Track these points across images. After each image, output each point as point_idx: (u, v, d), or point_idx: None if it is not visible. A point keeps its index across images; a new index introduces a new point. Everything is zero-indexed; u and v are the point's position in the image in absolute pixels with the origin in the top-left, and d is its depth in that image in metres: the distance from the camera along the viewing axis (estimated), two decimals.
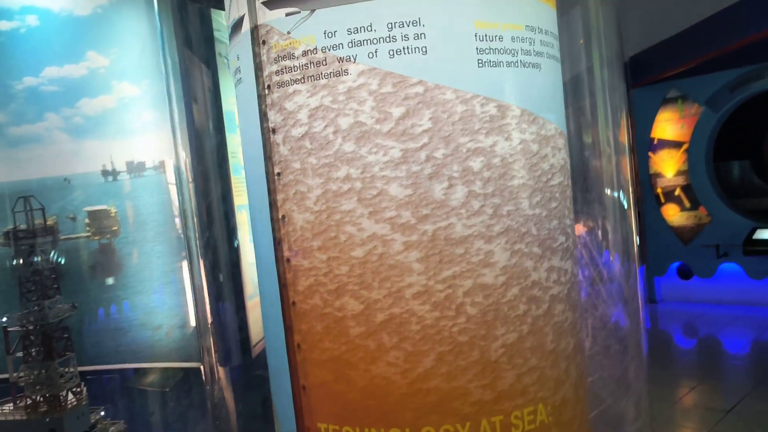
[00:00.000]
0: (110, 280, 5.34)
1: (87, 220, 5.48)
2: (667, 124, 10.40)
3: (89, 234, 5.50)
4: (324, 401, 1.87)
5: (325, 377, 1.85)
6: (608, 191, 2.39)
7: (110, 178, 5.48)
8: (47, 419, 3.50)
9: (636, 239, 2.42)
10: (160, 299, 5.46)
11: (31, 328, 3.65)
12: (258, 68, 1.85)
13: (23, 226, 4.58)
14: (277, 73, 1.80)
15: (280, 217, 1.87)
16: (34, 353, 3.65)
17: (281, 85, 1.80)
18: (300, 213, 1.84)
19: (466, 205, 1.72)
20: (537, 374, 1.79)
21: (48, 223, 5.66)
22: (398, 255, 1.73)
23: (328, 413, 1.87)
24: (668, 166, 10.41)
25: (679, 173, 10.38)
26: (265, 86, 1.84)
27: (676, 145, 10.35)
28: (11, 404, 3.72)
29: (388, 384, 1.78)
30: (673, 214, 10.49)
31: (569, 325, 1.89)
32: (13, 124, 5.59)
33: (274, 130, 1.82)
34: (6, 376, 3.80)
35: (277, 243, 1.88)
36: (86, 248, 5.57)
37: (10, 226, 3.76)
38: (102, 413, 3.91)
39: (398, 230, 1.73)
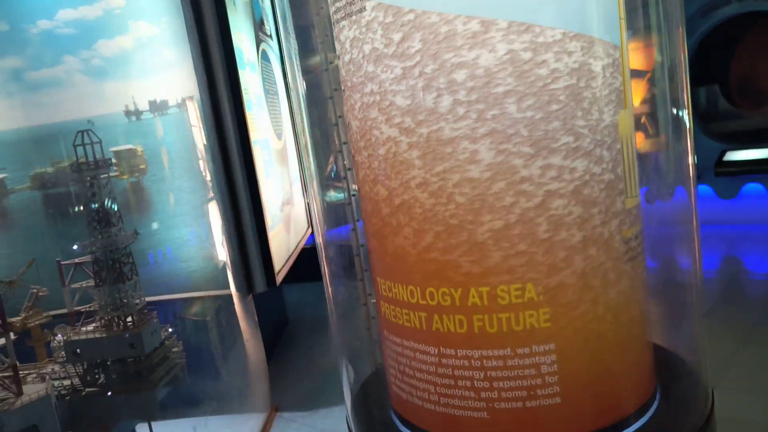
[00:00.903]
0: (155, 225, 5.57)
1: (114, 160, 5.65)
2: (633, 53, 10.80)
3: (117, 173, 5.68)
4: (376, 262, 2.39)
5: (374, 244, 2.37)
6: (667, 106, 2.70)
7: (134, 118, 5.63)
8: (126, 335, 3.82)
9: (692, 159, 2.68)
10: (191, 233, 5.73)
11: (100, 255, 3.92)
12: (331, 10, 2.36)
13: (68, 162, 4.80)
14: (334, 13, 2.25)
15: (346, 123, 2.38)
16: (105, 277, 3.93)
17: (336, 22, 2.26)
18: (353, 120, 2.32)
19: (452, 112, 2.05)
20: (526, 258, 2.07)
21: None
22: (404, 153, 2.14)
23: (379, 270, 2.38)
24: (634, 95, 10.86)
25: (644, 101, 10.85)
26: (332, 23, 2.30)
27: (640, 74, 10.78)
28: (89, 325, 4.02)
29: (404, 253, 2.22)
30: (640, 142, 11.02)
31: (575, 219, 2.07)
32: (31, 68, 5.66)
33: (338, 57, 2.30)
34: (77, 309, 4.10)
35: (344, 144, 2.47)
36: (115, 187, 5.76)
37: (64, 162, 3.95)
38: (170, 329, 4.24)
39: (403, 133, 2.13)
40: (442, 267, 2.17)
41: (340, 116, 2.87)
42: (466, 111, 2.04)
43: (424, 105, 2.08)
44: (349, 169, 2.86)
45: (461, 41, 2.01)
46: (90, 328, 3.98)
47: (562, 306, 2.11)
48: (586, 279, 2.10)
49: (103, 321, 3.96)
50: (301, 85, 2.74)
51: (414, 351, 2.31)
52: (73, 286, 4.55)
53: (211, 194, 5.60)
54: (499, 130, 2.01)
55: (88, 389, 3.91)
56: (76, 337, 3.88)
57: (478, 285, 2.12)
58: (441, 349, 2.24)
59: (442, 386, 2.27)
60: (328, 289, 3.45)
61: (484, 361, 2.18)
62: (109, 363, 3.93)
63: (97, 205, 3.91)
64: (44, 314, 4.57)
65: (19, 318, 4.35)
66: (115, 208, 3.99)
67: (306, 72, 2.84)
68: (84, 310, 4.49)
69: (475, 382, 2.21)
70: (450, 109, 2.05)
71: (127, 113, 5.64)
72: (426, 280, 2.21)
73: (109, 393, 3.82)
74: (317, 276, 7.68)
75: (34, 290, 4.66)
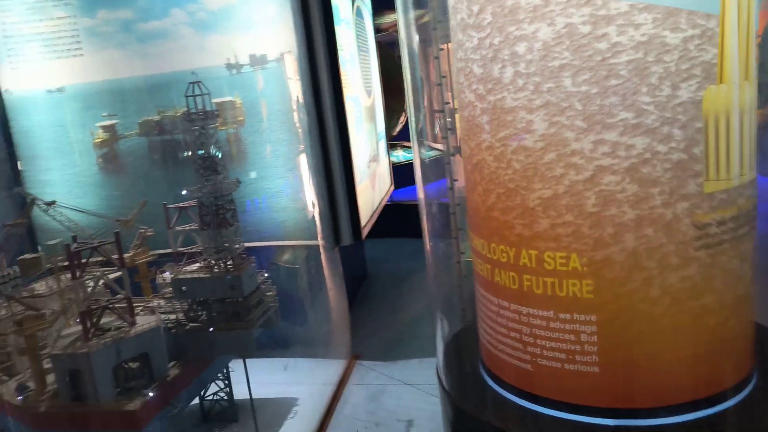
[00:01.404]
0: (252, 174, 5.81)
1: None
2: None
3: (218, 124, 5.94)
4: (467, 214, 2.69)
5: (466, 199, 2.63)
6: None
7: (234, 71, 5.85)
8: (227, 277, 4.08)
9: None
10: (284, 184, 5.96)
11: (205, 200, 4.17)
12: None
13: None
14: None
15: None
16: (209, 222, 4.19)
17: None
18: (454, 82, 2.52)
19: (513, 83, 2.15)
20: (572, 229, 2.17)
21: (178, 113, 6.15)
22: (477, 118, 2.32)
23: (468, 222, 2.70)
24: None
25: None
26: None
27: None
28: (193, 266, 4.31)
29: (478, 208, 2.48)
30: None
31: (628, 197, 2.06)
32: (141, 20, 5.95)
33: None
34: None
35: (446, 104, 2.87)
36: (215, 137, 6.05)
37: (178, 110, 4.18)
38: (266, 274, 4.49)
39: (477, 99, 2.30)
40: (501, 226, 2.38)
41: (443, 76, 2.95)
42: (525, 83, 2.13)
43: (492, 75, 2.20)
44: (450, 129, 3.00)
45: (523, 15, 2.06)
46: (194, 268, 4.26)
47: (606, 281, 2.15)
48: (638, 259, 2.09)
49: (206, 263, 4.24)
50: (413, 40, 2.86)
51: (485, 299, 2.58)
52: (178, 228, 4.86)
53: (304, 147, 5.77)
54: (553, 103, 2.08)
55: (191, 324, 4.22)
56: (183, 276, 4.17)
57: (528, 247, 2.28)
58: (499, 300, 2.49)
59: (500, 334, 2.51)
60: (428, 245, 3.56)
61: (531, 318, 2.36)
62: (210, 301, 4.22)
63: (204, 153, 4.13)
64: (150, 253, 4.93)
65: (128, 255, 4.72)
66: (220, 157, 4.20)
67: (417, 30, 2.92)
68: (186, 251, 4.81)
69: (523, 336, 2.41)
70: (511, 80, 2.15)
71: (228, 66, 5.86)
72: (490, 236, 2.46)
73: (211, 329, 4.11)
74: (396, 232, 7.87)
75: (142, 230, 5.02)
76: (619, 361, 2.22)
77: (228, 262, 4.17)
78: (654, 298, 2.11)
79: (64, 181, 6.18)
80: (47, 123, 6.13)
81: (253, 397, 5.29)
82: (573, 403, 2.35)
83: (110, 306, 3.82)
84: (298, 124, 5.80)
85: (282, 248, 5.82)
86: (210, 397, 5.09)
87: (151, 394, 3.66)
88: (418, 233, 10.30)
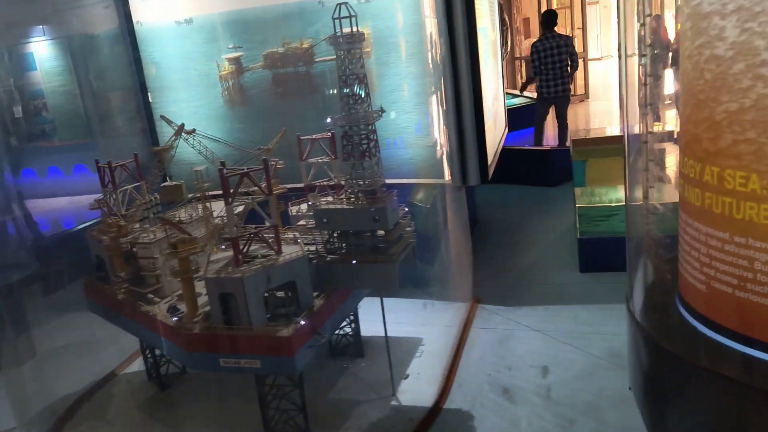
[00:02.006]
0: (393, 114, 5.62)
1: None
2: None
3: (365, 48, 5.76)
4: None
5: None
6: None
7: (363, 0, 5.61)
8: (372, 209, 3.95)
9: None
10: (412, 119, 5.74)
11: (349, 129, 4.01)
12: None
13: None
14: None
15: None
16: (352, 152, 4.04)
17: None
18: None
19: None
20: (754, 147, 2.11)
21: (303, 45, 6.01)
22: (682, 24, 2.38)
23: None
24: None
25: None
26: None
27: None
28: (329, 198, 4.22)
29: (682, 122, 2.53)
30: None
31: None
32: None
33: None
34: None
35: None
36: None
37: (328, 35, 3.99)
38: (406, 209, 4.34)
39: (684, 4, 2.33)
40: (691, 139, 2.40)
41: None
42: None
43: None
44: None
45: None
46: (331, 198, 4.16)
47: None
48: None
49: (348, 194, 4.12)
50: None
51: (681, 220, 2.63)
52: (310, 160, 4.77)
53: (434, 82, 5.50)
54: (746, 7, 2.01)
55: (330, 256, 4.15)
56: (325, 207, 4.08)
57: (712, 164, 2.29)
58: (683, 215, 2.57)
59: (685, 253, 2.57)
60: (626, 179, 3.32)
61: (708, 238, 2.38)
62: (352, 233, 4.11)
63: (350, 78, 3.96)
64: (281, 186, 4.88)
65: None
66: (365, 83, 4.02)
67: None
68: (318, 184, 4.73)
69: (701, 255, 2.44)
70: None
71: None
72: (683, 149, 2.51)
73: (354, 261, 4.02)
74: (505, 178, 7.37)
75: (273, 162, 4.95)
76: None
77: (371, 195, 4.03)
78: None
79: (191, 114, 6.22)
80: (176, 55, 6.15)
81: (375, 335, 5.27)
82: (743, 334, 2.35)
83: (259, 234, 3.78)
84: (429, 58, 5.52)
85: (413, 186, 5.66)
86: (337, 332, 5.09)
87: (302, 322, 3.62)
88: (526, 180, 9.93)
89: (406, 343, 5.36)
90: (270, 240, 3.88)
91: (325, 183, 4.77)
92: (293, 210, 4.80)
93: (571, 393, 4.39)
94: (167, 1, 5.98)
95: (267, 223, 3.88)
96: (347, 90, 4.01)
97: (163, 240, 4.34)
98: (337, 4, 3.91)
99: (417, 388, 4.69)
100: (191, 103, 6.20)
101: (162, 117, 4.64)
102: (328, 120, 4.10)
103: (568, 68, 9.81)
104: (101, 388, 5.26)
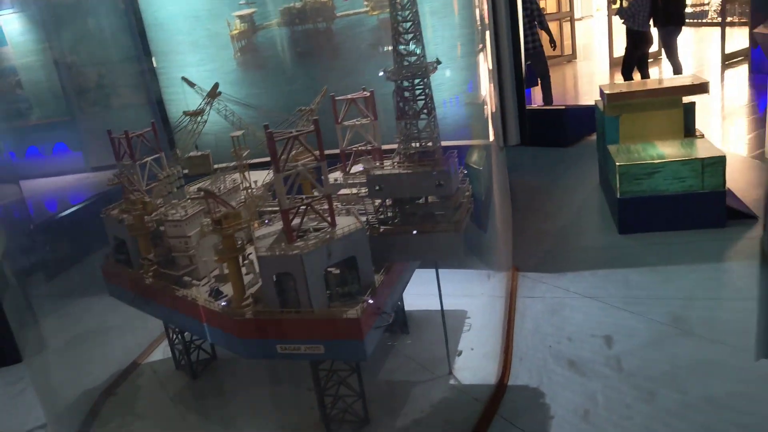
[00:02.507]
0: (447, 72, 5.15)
1: None
2: None
3: (368, 9, 5.30)
4: None
5: None
6: None
7: None
8: (434, 173, 3.55)
9: None
10: (465, 78, 5.28)
11: (403, 84, 3.58)
12: None
13: None
14: None
15: None
16: (407, 110, 3.62)
17: None
18: None
19: None
20: None
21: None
22: None
23: None
24: None
25: None
26: None
27: None
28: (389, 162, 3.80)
29: None
30: None
31: None
32: None
33: None
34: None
35: None
36: (363, 25, 5.41)
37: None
38: (465, 172, 3.95)
39: None
40: None
41: None
42: None
43: None
44: None
45: None
46: (393, 163, 3.74)
47: None
48: None
49: (401, 157, 3.71)
50: None
51: None
52: (346, 123, 4.34)
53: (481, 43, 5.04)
54: None
55: (383, 227, 3.76)
56: (380, 172, 3.67)
57: None
58: None
59: None
60: None
61: None
62: (407, 201, 3.72)
63: (403, 26, 3.52)
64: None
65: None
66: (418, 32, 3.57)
67: None
68: (354, 149, 4.32)
69: None
70: None
71: None
72: None
73: (414, 232, 3.63)
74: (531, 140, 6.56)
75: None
76: None
77: (428, 157, 3.63)
78: None
79: (202, 79, 5.63)
80: (181, 14, 5.61)
81: (415, 309, 4.92)
82: None
83: (311, 205, 3.36)
84: (477, 15, 5.05)
85: (465, 148, 5.25)
86: None
87: (370, 301, 3.25)
88: (541, 141, 9.44)
89: (450, 316, 4.99)
90: (324, 211, 3.47)
91: (362, 147, 4.35)
92: (330, 178, 4.38)
93: (643, 363, 4.10)
94: None
95: (317, 193, 3.47)
96: (402, 40, 3.57)
97: (196, 216, 3.90)
98: None
99: (474, 365, 4.37)
100: (200, 67, 5.69)
101: (183, 79, 4.16)
102: (381, 73, 3.66)
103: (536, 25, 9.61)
104: (125, 380, 4.86)
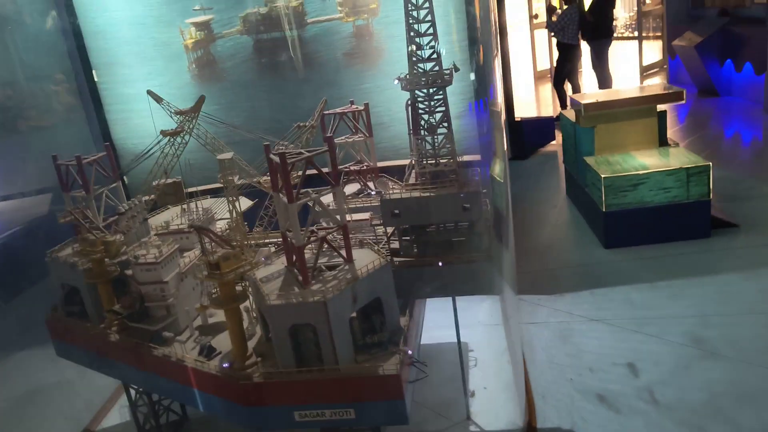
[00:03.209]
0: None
1: None
2: None
3: (342, 15, 4.79)
4: None
5: None
6: None
7: None
8: (461, 195, 3.07)
9: None
10: (471, 82, 4.83)
11: (420, 94, 3.10)
12: None
13: None
14: None
15: None
16: (424, 123, 3.14)
17: None
18: None
19: None
20: None
21: (293, 4, 4.94)
22: None
23: None
24: None
25: None
26: None
27: None
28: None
29: None
30: None
31: None
32: None
33: None
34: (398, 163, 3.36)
35: None
36: (338, 32, 4.89)
37: None
38: (484, 191, 3.49)
39: None
40: None
41: None
42: None
43: None
44: None
45: None
46: (413, 185, 3.23)
47: None
48: None
49: (421, 178, 3.21)
50: None
51: None
52: (338, 140, 3.82)
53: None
54: None
55: (398, 259, 3.24)
56: (396, 196, 3.15)
57: None
58: None
59: None
60: None
61: None
62: (433, 226, 3.23)
63: (415, 34, 3.04)
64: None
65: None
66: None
67: None
68: (346, 168, 3.81)
69: None
70: None
71: None
72: None
73: (440, 263, 3.13)
74: None
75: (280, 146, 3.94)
76: None
77: (447, 176, 3.16)
78: None
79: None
80: (125, 20, 4.88)
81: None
82: None
83: (327, 239, 2.80)
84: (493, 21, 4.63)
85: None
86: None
87: (409, 351, 2.71)
88: (511, 155, 8.90)
89: (449, 350, 4.52)
90: (339, 245, 2.92)
91: (353, 167, 3.85)
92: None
93: (678, 393, 3.77)
94: None
95: (325, 223, 2.91)
96: (416, 45, 3.09)
97: (172, 256, 3.24)
98: None
99: (492, 407, 3.90)
100: (150, 81, 4.98)
101: (149, 92, 3.48)
102: (395, 82, 3.15)
103: None
104: None
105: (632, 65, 15.04)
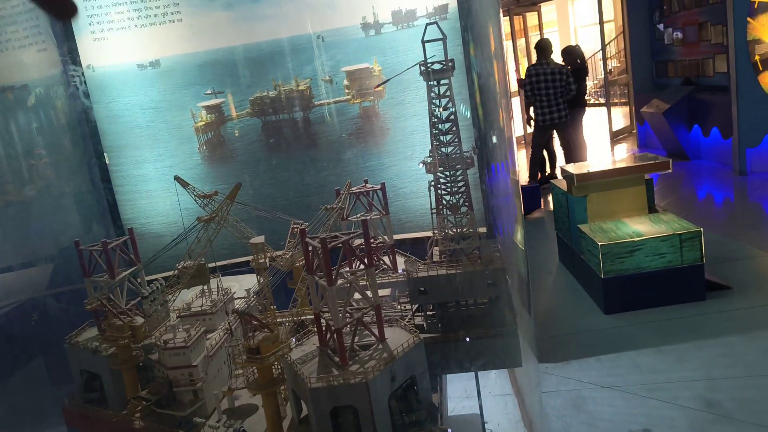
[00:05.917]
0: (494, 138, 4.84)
1: (346, 82, 4.96)
2: None
3: (348, 97, 5.00)
4: None
5: None
6: None
7: (372, 32, 4.90)
8: (487, 271, 3.18)
9: None
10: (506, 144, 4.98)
11: (444, 175, 3.25)
12: None
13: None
14: None
15: None
16: (447, 202, 3.28)
17: None
18: None
19: None
20: None
21: (300, 87, 5.15)
22: None
23: None
24: None
25: None
26: None
27: None
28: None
29: None
30: None
31: None
32: None
33: None
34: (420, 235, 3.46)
35: None
36: (344, 113, 5.09)
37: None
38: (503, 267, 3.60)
39: None
40: None
41: None
42: None
43: None
44: None
45: None
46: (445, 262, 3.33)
47: None
48: None
49: (446, 256, 3.32)
50: None
51: None
52: (352, 218, 3.93)
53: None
54: None
55: (425, 334, 3.30)
56: (423, 274, 3.24)
57: None
58: None
59: None
60: None
61: None
62: (458, 303, 3.31)
63: (440, 113, 3.22)
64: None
65: (280, 254, 3.72)
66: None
67: None
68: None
69: None
70: None
71: (365, 26, 4.90)
72: None
73: (467, 339, 3.20)
74: None
75: (296, 225, 4.04)
76: None
77: (476, 252, 3.27)
78: None
79: (161, 176, 5.08)
80: (138, 105, 5.03)
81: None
82: None
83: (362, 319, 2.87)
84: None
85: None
86: None
87: (449, 430, 2.74)
88: None
89: (465, 423, 4.53)
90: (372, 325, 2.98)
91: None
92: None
93: None
94: (127, 39, 4.89)
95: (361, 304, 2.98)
96: (440, 125, 3.26)
97: (200, 339, 3.25)
98: (426, 24, 3.18)
99: None
100: (161, 163, 5.08)
101: (176, 178, 3.58)
102: (420, 165, 3.30)
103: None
104: None
105: (602, 131, 15.60)
